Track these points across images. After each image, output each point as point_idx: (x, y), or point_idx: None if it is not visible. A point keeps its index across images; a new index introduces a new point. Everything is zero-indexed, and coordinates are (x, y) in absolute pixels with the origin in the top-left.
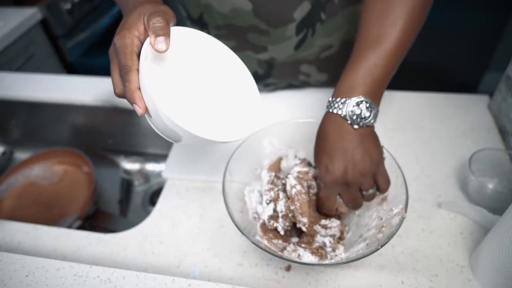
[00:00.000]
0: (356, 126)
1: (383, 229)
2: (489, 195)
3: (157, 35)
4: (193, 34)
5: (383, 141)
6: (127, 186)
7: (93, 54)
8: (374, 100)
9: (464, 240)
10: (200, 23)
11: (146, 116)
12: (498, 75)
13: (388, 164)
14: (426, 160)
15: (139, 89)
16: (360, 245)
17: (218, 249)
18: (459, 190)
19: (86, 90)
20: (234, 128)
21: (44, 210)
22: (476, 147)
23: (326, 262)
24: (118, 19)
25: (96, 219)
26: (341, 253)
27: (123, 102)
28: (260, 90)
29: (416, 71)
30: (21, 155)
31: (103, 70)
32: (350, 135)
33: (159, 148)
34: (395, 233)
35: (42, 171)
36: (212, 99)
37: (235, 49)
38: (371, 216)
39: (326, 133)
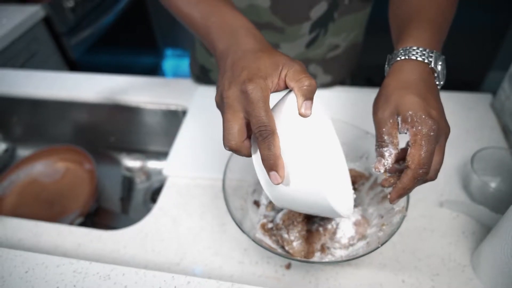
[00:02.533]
0: (437, 82)
1: (384, 227)
2: (492, 194)
3: (306, 99)
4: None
5: None
6: (128, 183)
7: (96, 51)
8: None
9: (466, 239)
10: None
11: (270, 185)
12: (502, 74)
13: None
14: None
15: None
16: (361, 243)
17: (218, 247)
18: (461, 189)
19: (89, 87)
20: (345, 198)
21: (46, 207)
22: (479, 145)
23: (327, 260)
24: (121, 17)
25: (98, 216)
26: (341, 251)
27: (125, 100)
28: None
29: None
30: (23, 152)
31: (105, 68)
32: (436, 88)
33: (161, 145)
34: (395, 231)
35: (44, 168)
36: (330, 169)
37: None
38: (372, 214)
39: (416, 77)
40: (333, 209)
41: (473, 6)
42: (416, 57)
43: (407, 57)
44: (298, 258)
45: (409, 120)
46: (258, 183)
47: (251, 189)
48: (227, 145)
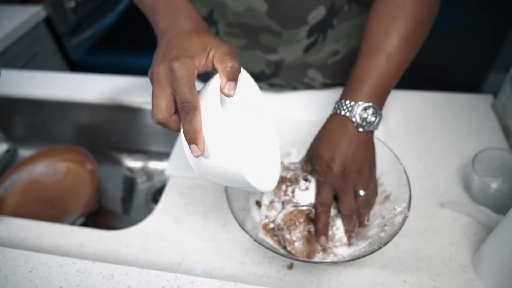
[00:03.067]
0: (360, 129)
1: (386, 228)
2: (493, 195)
3: (229, 80)
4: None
5: (386, 139)
6: (130, 184)
7: (97, 52)
8: (380, 105)
9: (467, 240)
10: (209, 20)
11: (192, 158)
12: (502, 75)
13: (391, 163)
14: (430, 159)
15: (201, 129)
16: (363, 243)
17: (220, 247)
18: (462, 190)
19: (90, 88)
20: (267, 176)
21: (48, 207)
22: (480, 146)
23: (329, 260)
24: (122, 17)
25: (99, 216)
26: (343, 251)
27: (127, 100)
28: (265, 89)
29: (420, 71)
30: (24, 152)
31: (107, 68)
32: (354, 137)
33: (162, 146)
34: (398, 232)
35: (45, 168)
36: (252, 144)
37: (244, 48)
38: (374, 215)
39: (331, 132)
40: (248, 182)
41: (474, 7)
42: (340, 111)
43: (334, 111)
44: (300, 258)
45: (314, 168)
46: None
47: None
48: (154, 119)
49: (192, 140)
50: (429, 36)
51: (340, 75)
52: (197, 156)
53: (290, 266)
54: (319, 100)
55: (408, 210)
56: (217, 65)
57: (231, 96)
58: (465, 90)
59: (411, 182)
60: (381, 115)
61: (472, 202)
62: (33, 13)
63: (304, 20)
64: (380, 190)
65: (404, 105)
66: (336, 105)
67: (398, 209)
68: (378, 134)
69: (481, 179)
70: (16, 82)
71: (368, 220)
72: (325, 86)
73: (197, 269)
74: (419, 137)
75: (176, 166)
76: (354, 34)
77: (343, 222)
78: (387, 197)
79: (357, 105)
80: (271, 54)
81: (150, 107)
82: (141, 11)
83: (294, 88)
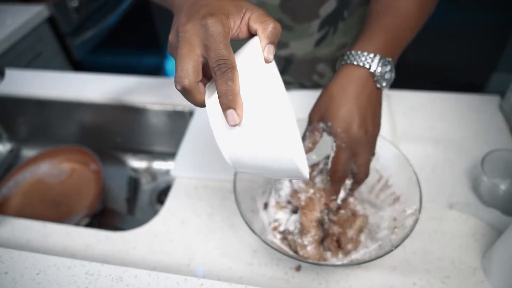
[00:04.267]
0: (378, 85)
1: (396, 230)
2: (501, 197)
3: (270, 42)
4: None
5: (394, 140)
6: (134, 184)
7: (100, 51)
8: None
9: (476, 242)
10: None
11: (222, 132)
12: (506, 75)
13: (400, 164)
14: (437, 160)
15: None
16: (373, 246)
17: (227, 248)
18: (470, 191)
19: (94, 87)
20: (303, 160)
21: (52, 208)
22: (488, 147)
23: (338, 263)
24: (125, 17)
25: (104, 217)
26: (353, 254)
27: (131, 100)
28: None
29: (423, 71)
30: (28, 152)
31: (109, 68)
32: (373, 94)
33: (166, 146)
34: (409, 235)
35: (49, 168)
36: (291, 123)
37: None
38: (383, 217)
39: (348, 86)
40: (296, 165)
41: (477, 7)
42: (357, 63)
43: (348, 62)
44: (308, 260)
45: (329, 130)
46: (267, 184)
47: (261, 190)
48: (179, 83)
49: (229, 103)
50: (432, 36)
51: None
52: (234, 125)
53: (298, 268)
54: None
55: (420, 212)
56: (256, 26)
57: (270, 61)
58: (469, 90)
59: (420, 184)
60: (394, 76)
61: (480, 204)
62: (36, 12)
63: (316, 13)
64: (389, 191)
65: (411, 105)
66: (351, 56)
67: (409, 211)
68: (385, 134)
69: (490, 181)
70: (20, 81)
71: None
72: None
73: (204, 270)
74: (426, 138)
75: (182, 166)
76: (360, 25)
77: (353, 186)
78: (396, 199)
79: (377, 57)
80: (282, 49)
81: (154, 107)
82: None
83: (302, 86)
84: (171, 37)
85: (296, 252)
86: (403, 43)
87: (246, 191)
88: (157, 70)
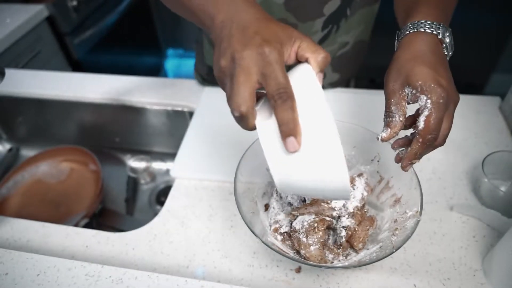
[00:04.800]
0: (445, 52)
1: (397, 232)
2: (502, 198)
3: (320, 70)
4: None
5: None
6: (133, 184)
7: (99, 51)
8: None
9: (477, 244)
10: None
11: (277, 158)
12: (506, 76)
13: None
14: (438, 162)
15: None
16: (374, 247)
17: (227, 249)
18: (471, 193)
19: (94, 87)
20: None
21: (51, 208)
22: (488, 149)
23: (339, 265)
24: (124, 17)
25: (103, 217)
26: (354, 255)
27: (131, 100)
28: None
29: None
30: (27, 152)
31: (108, 68)
32: (445, 59)
33: (166, 147)
34: (410, 236)
35: (49, 168)
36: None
37: None
38: (384, 219)
39: (426, 48)
40: (347, 191)
41: (477, 7)
42: (425, 30)
43: (415, 30)
44: (309, 262)
45: (419, 90)
46: (268, 185)
47: (261, 191)
48: (237, 110)
49: (290, 132)
50: None
51: (347, 67)
52: (294, 151)
53: (299, 270)
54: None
55: (420, 214)
56: (308, 55)
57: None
58: (468, 91)
59: (421, 186)
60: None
61: (481, 205)
62: (36, 12)
63: (320, 11)
64: (390, 193)
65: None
66: (417, 25)
67: (410, 213)
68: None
69: (490, 182)
70: (19, 81)
71: None
72: (331, 86)
73: (204, 272)
74: None
75: (182, 167)
76: (362, 24)
77: (429, 146)
78: (397, 201)
79: (444, 28)
80: None
81: (153, 107)
82: (169, 11)
83: None
84: (224, 63)
85: (298, 251)
86: (450, 15)
87: (246, 193)
88: (156, 70)
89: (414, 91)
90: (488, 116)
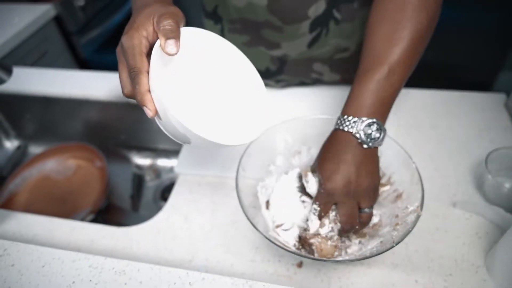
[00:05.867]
0: (365, 146)
1: (398, 226)
2: (506, 195)
3: (167, 38)
4: (201, 34)
5: (398, 138)
6: (138, 181)
7: (106, 50)
8: (383, 121)
9: (479, 240)
10: (215, 16)
11: (155, 118)
12: None
13: (403, 162)
14: (441, 158)
15: (149, 91)
16: (374, 242)
17: (230, 244)
18: (474, 190)
19: (100, 85)
20: (243, 130)
21: (58, 203)
22: (492, 146)
23: (339, 259)
24: (130, 16)
25: (108, 213)
26: (354, 251)
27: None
28: (272, 85)
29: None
30: (35, 149)
31: (115, 66)
32: (358, 151)
33: (170, 144)
34: (410, 231)
35: (56, 165)
36: (221, 101)
37: (248, 44)
38: (385, 214)
39: (334, 149)
40: (200, 136)
41: (484, 6)
42: (342, 127)
43: (336, 127)
44: (310, 256)
45: (318, 179)
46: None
47: (264, 187)
48: (123, 93)
49: (141, 102)
50: (440, 35)
51: (348, 69)
52: (151, 117)
53: (300, 265)
54: (326, 96)
55: (421, 209)
56: (156, 28)
57: (173, 54)
58: (476, 89)
59: (422, 181)
60: (385, 131)
61: (484, 202)
62: (43, 11)
63: (305, 14)
64: (392, 188)
65: (415, 104)
66: (338, 121)
67: (411, 208)
68: (389, 132)
69: (494, 179)
70: (27, 79)
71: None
72: (334, 83)
73: (207, 266)
74: (430, 136)
75: (186, 163)
76: (363, 29)
77: (341, 231)
78: (399, 196)
79: (360, 121)
80: (275, 49)
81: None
82: None
83: (302, 83)
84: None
85: (304, 243)
86: (392, 100)
87: (248, 188)
88: None
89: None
90: (493, 113)
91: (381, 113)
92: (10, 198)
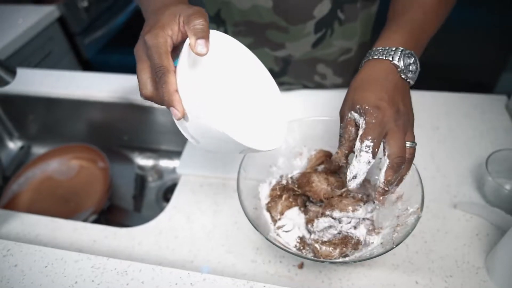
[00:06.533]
0: (403, 76)
1: (398, 228)
2: (506, 196)
3: (198, 38)
4: (217, 35)
5: None
6: (141, 182)
7: (109, 51)
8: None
9: (480, 241)
10: (217, 20)
11: (180, 124)
12: None
13: None
14: (442, 160)
15: (177, 91)
16: (375, 244)
17: (231, 245)
18: (475, 191)
19: (103, 86)
20: (268, 134)
21: (61, 204)
22: (493, 147)
23: (340, 260)
24: (133, 17)
25: (111, 213)
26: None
27: (139, 99)
28: None
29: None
30: (38, 149)
31: (119, 67)
32: (400, 82)
33: (173, 145)
34: (410, 232)
35: (59, 165)
36: (244, 104)
37: (252, 46)
38: (385, 215)
39: (372, 75)
40: (235, 140)
41: (486, 6)
42: (378, 57)
43: (370, 58)
44: (311, 257)
45: (359, 113)
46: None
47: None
48: (142, 94)
49: (168, 103)
50: (442, 36)
51: (351, 72)
52: (179, 119)
53: (301, 266)
54: (327, 99)
55: (421, 210)
56: (186, 27)
57: (203, 54)
58: (478, 90)
59: (423, 183)
60: (419, 69)
61: (485, 203)
62: (47, 12)
63: (310, 14)
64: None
65: (416, 105)
66: (374, 51)
67: (411, 210)
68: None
69: (494, 180)
70: (30, 80)
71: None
72: (336, 87)
73: (208, 266)
74: (431, 137)
75: (188, 164)
76: (364, 26)
77: (387, 172)
78: (399, 197)
79: (399, 50)
80: (279, 50)
81: (161, 106)
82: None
83: (304, 87)
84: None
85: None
86: (426, 36)
87: (250, 189)
88: None
89: (358, 116)
90: (494, 115)
91: (417, 49)
92: (14, 198)
